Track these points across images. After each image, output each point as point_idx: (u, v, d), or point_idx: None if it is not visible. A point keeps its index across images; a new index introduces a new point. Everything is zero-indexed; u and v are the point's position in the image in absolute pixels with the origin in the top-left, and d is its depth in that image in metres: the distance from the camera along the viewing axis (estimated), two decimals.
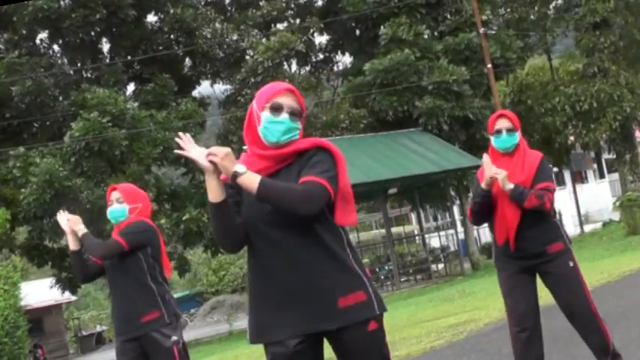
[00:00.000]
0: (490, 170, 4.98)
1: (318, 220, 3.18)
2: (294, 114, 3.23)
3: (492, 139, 5.20)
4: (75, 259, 5.61)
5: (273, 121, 3.21)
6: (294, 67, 33.41)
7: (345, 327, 3.17)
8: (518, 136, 5.17)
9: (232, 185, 3.15)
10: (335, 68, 35.61)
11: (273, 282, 3.19)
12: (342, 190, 3.23)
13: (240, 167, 3.08)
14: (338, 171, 3.22)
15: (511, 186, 4.94)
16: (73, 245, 5.55)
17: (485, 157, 5.06)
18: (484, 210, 5.12)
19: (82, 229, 5.56)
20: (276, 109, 3.21)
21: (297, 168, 3.21)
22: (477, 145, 27.91)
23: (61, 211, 5.76)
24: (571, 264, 5.13)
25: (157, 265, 5.60)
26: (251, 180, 3.06)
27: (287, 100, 3.24)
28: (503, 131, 5.13)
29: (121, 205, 5.60)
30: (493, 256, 5.40)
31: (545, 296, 5.35)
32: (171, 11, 30.32)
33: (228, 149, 3.10)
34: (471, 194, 34.23)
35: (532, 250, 5.07)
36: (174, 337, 5.47)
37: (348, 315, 3.16)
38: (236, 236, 3.20)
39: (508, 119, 5.18)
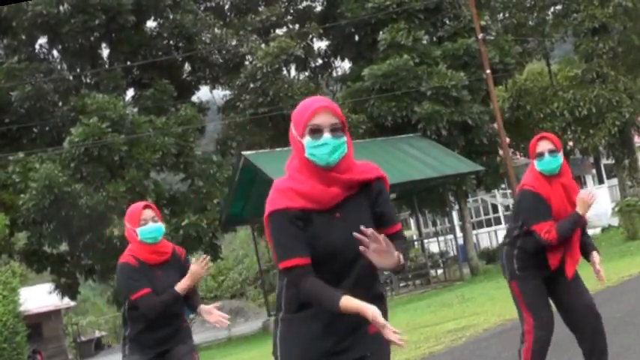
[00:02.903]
0: (588, 199, 5.04)
1: None
2: (335, 130, 3.10)
3: (535, 162, 5.19)
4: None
5: (315, 145, 3.09)
6: (293, 72, 33.46)
7: (375, 351, 3.25)
8: (561, 156, 5.17)
9: (300, 218, 3.11)
10: (334, 74, 35.65)
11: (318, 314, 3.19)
12: None
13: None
14: None
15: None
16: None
17: (584, 194, 5.11)
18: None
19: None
20: (316, 131, 3.09)
21: (366, 200, 3.21)
22: (475, 151, 27.94)
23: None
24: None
25: None
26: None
27: (325, 119, 3.11)
28: (546, 153, 5.13)
29: (158, 224, 5.36)
30: (516, 265, 5.38)
31: None
32: (171, 17, 30.36)
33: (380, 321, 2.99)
34: (470, 199, 34.25)
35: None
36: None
37: (377, 340, 3.18)
38: None
39: (549, 141, 5.18)
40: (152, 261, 5.32)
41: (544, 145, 5.16)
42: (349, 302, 3.00)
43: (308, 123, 3.11)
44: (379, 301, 3.20)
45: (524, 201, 5.23)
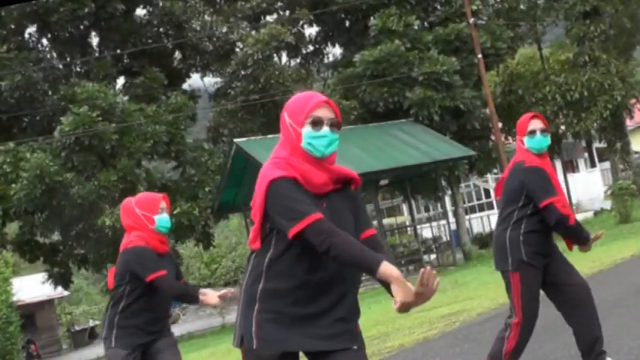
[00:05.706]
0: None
1: None
2: (333, 125, 3.20)
3: (526, 140, 5.16)
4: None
5: (315, 136, 3.16)
6: (284, 59, 33.39)
7: (349, 349, 3.18)
8: (549, 137, 5.22)
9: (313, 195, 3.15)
10: (325, 60, 35.55)
11: (310, 294, 3.14)
12: None
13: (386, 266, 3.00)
14: None
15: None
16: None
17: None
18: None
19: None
20: (317, 123, 3.17)
21: (348, 200, 3.27)
22: (467, 136, 27.93)
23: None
24: None
25: None
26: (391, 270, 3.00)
27: (325, 113, 3.19)
28: (537, 132, 5.13)
29: (168, 216, 5.47)
30: (524, 251, 5.11)
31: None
32: (160, 4, 30.21)
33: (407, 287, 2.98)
34: (463, 184, 34.22)
35: None
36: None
37: (359, 339, 3.24)
38: None
39: (541, 120, 5.21)
40: (159, 250, 5.33)
41: (536, 124, 5.16)
42: (388, 268, 2.96)
43: (311, 114, 3.17)
44: (355, 288, 3.26)
45: (532, 177, 5.06)
